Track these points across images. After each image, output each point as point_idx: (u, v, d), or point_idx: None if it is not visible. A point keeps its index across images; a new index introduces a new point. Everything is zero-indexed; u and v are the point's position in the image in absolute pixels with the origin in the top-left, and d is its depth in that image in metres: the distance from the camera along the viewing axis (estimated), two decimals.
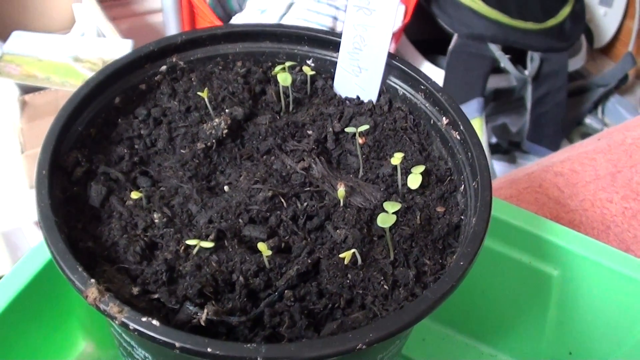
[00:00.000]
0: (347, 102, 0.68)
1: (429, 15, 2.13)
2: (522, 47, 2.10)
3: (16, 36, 1.66)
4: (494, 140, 2.17)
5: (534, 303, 0.78)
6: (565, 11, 2.15)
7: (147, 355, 0.54)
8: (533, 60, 2.11)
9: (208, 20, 1.81)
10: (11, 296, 0.63)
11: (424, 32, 2.25)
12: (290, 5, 1.86)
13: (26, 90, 1.52)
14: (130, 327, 0.45)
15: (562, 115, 2.20)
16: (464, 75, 2.08)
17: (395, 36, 1.98)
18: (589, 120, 2.40)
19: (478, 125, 2.00)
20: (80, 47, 1.65)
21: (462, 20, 2.06)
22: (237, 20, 1.91)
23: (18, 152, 1.56)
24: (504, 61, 2.06)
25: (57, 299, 0.70)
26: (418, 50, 2.22)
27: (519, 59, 2.12)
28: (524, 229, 0.73)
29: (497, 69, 2.11)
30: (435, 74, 2.13)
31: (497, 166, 2.11)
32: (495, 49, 2.06)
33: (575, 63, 2.35)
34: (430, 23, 2.14)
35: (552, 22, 2.12)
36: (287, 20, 1.83)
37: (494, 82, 2.17)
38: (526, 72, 2.11)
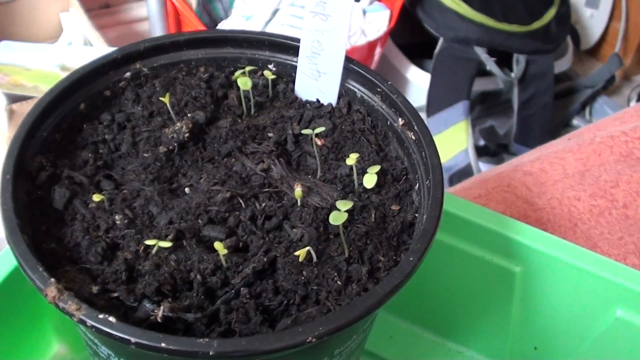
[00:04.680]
0: (308, 105, 0.70)
1: (415, 19, 2.14)
2: (507, 49, 2.12)
3: (4, 46, 1.68)
4: (481, 142, 2.19)
5: (498, 300, 0.79)
6: (551, 13, 2.17)
7: (110, 352, 0.55)
8: (519, 62, 2.12)
9: (194, 27, 1.83)
10: None
11: (409, 36, 2.27)
12: (275, 11, 1.88)
13: (14, 99, 1.54)
14: (88, 324, 0.47)
15: (549, 117, 2.21)
16: (449, 79, 2.09)
17: (381, 41, 2.00)
18: (576, 122, 2.41)
19: (464, 128, 2.02)
20: (68, 56, 1.67)
21: (448, 23, 2.07)
22: (223, 26, 1.93)
23: None
24: (490, 64, 2.08)
25: (30, 301, 0.71)
26: (404, 55, 2.24)
27: (505, 62, 2.13)
28: (486, 227, 0.74)
29: (483, 72, 2.12)
30: (422, 77, 2.15)
31: (485, 169, 2.12)
32: (481, 52, 2.07)
33: (562, 65, 2.36)
34: (416, 27, 2.16)
35: (537, 24, 2.13)
36: (272, 26, 1.85)
37: (481, 85, 2.18)
38: (512, 75, 2.12)
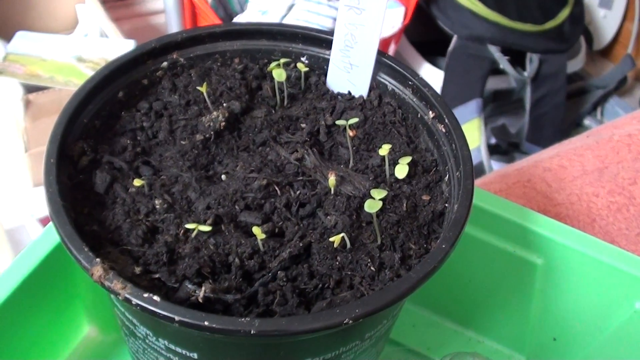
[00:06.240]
0: (339, 97, 0.71)
1: (429, 17, 2.16)
2: (521, 48, 2.13)
3: (20, 36, 1.69)
4: (493, 141, 2.20)
5: (519, 291, 0.81)
6: (564, 13, 2.18)
7: (148, 332, 0.57)
8: (532, 61, 2.14)
9: (210, 21, 1.84)
10: (18, 282, 0.66)
11: (423, 33, 2.28)
12: (291, 6, 1.89)
13: (30, 89, 1.56)
14: (133, 303, 0.48)
15: (561, 117, 2.23)
16: (463, 77, 2.11)
17: (395, 37, 2.01)
18: (588, 122, 2.42)
19: (476, 126, 2.03)
20: (84, 48, 1.68)
21: (462, 21, 2.09)
22: (238, 21, 1.94)
23: (22, 151, 1.59)
24: (503, 62, 2.10)
25: (63, 285, 0.73)
26: (418, 52, 2.26)
27: (518, 61, 2.15)
28: (509, 219, 0.76)
29: (497, 70, 2.14)
30: (435, 75, 2.16)
31: (496, 167, 2.14)
32: (495, 51, 2.09)
33: (575, 65, 2.37)
34: (430, 25, 2.18)
35: (551, 24, 2.15)
36: (288, 22, 1.86)
37: (493, 84, 2.20)
38: (525, 74, 2.13)
